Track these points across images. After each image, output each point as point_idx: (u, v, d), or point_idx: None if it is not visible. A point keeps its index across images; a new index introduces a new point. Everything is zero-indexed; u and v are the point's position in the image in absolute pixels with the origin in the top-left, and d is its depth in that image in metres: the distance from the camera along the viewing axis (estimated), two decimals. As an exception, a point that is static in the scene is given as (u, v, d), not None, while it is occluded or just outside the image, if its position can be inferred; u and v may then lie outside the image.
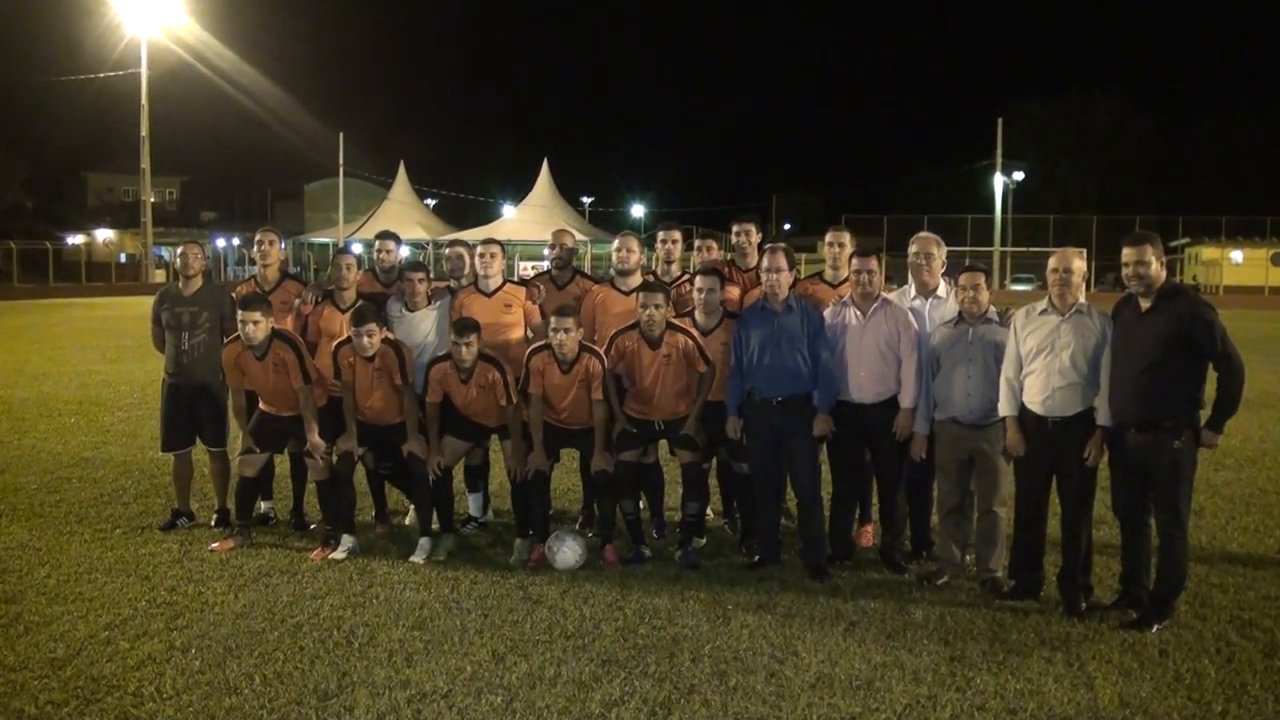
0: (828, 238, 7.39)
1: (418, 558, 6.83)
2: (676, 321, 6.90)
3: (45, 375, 16.32)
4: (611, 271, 7.65)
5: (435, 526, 7.14)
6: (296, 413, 7.07)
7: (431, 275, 7.79)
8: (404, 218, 55.04)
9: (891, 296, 6.87)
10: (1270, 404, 13.87)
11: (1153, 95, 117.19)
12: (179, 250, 7.95)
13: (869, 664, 5.22)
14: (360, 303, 7.23)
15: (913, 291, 6.94)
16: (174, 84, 57.90)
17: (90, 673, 5.05)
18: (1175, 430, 5.61)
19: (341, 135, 62.11)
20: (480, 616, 5.83)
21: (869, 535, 7.36)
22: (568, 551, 6.70)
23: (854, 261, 6.80)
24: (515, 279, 7.92)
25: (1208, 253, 56.64)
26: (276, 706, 4.71)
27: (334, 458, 7.07)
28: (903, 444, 6.64)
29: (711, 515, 7.76)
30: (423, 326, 7.41)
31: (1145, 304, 5.72)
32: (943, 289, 6.89)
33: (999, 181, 58.52)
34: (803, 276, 7.57)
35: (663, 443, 7.25)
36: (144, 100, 49.99)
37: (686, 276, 7.51)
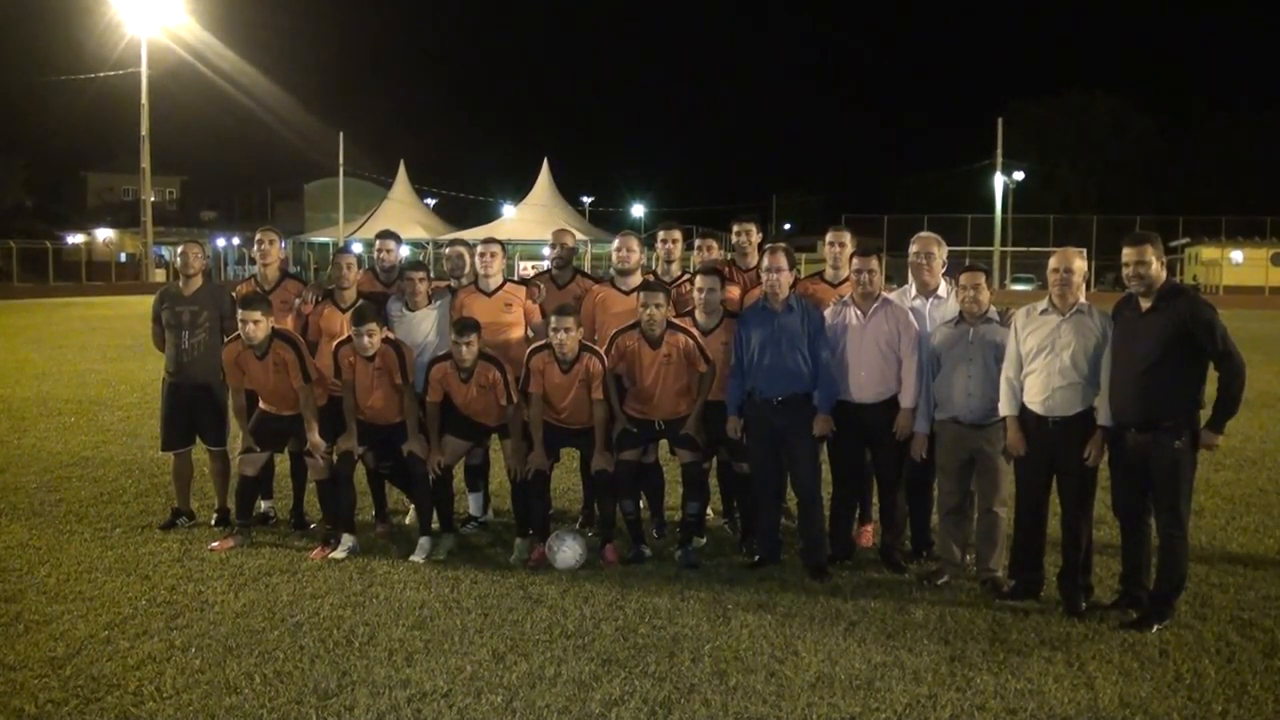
0: (828, 237, 7.39)
1: (418, 557, 6.83)
2: (677, 321, 6.90)
3: (45, 374, 16.32)
4: (612, 271, 7.65)
5: (435, 526, 7.14)
6: (297, 412, 7.07)
7: (431, 275, 7.79)
8: (404, 217, 55.05)
9: (892, 296, 6.87)
10: (1270, 404, 13.87)
11: (1153, 95, 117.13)
12: (179, 250, 7.95)
13: (869, 664, 5.22)
14: (360, 302, 7.23)
15: (913, 291, 6.94)
16: (174, 83, 58.00)
17: (90, 672, 5.05)
18: (1175, 430, 5.61)
19: (341, 135, 62.21)
20: (480, 616, 5.83)
21: (869, 535, 7.36)
22: (568, 551, 6.69)
23: (854, 261, 6.80)
24: (515, 278, 7.92)
25: (1208, 253, 56.62)
26: (276, 706, 4.71)
27: (334, 457, 7.07)
28: (903, 444, 6.64)
29: (712, 515, 7.76)
30: (423, 326, 7.41)
31: (1145, 304, 5.72)
32: (943, 289, 6.89)
33: (999, 181, 58.51)
34: (803, 276, 7.58)
35: (663, 442, 7.25)
36: (144, 100, 50.01)
37: (687, 276, 7.51)
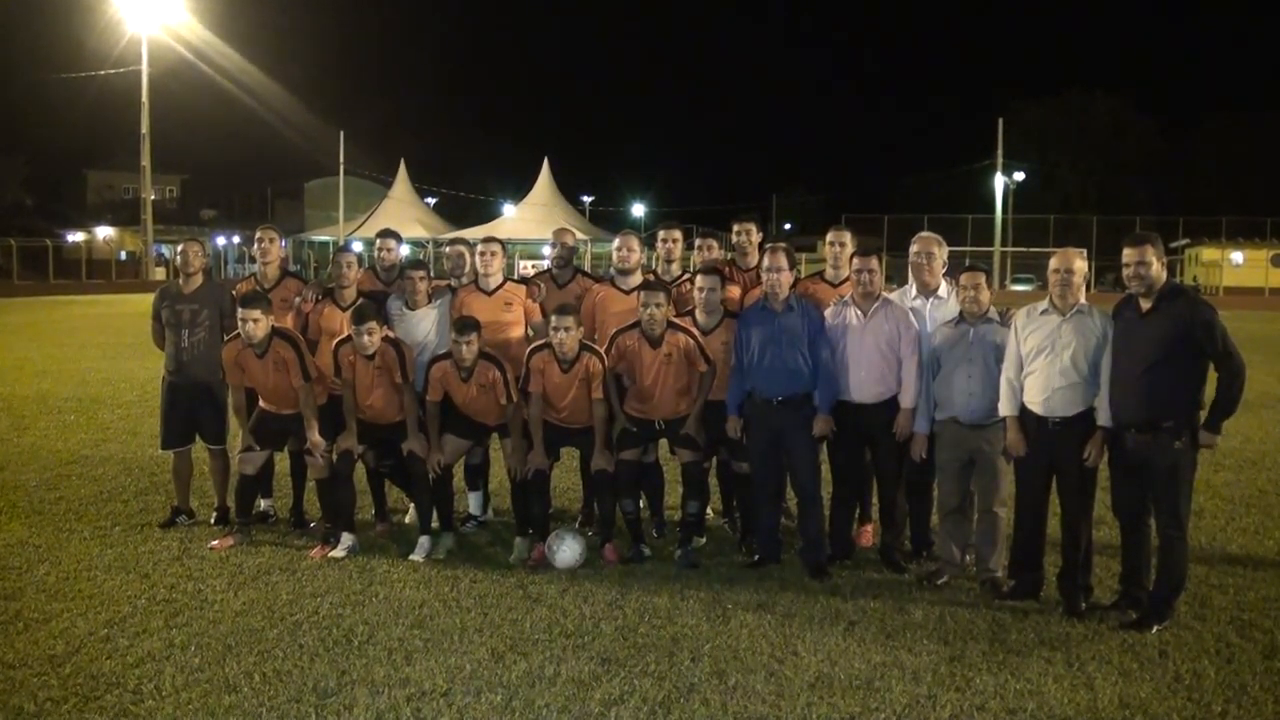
0: (828, 237, 7.39)
1: (417, 556, 6.83)
2: (677, 321, 6.89)
3: (45, 372, 16.32)
4: (612, 270, 7.64)
5: (435, 525, 7.14)
6: (296, 411, 7.07)
7: (432, 274, 7.79)
8: (404, 216, 55.03)
9: (892, 296, 6.87)
10: (1270, 405, 13.86)
11: (1153, 95, 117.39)
12: (179, 248, 7.95)
13: (869, 664, 5.22)
14: (360, 301, 7.23)
15: (913, 291, 6.94)
16: (174, 82, 57.95)
17: (89, 670, 5.05)
18: (1175, 431, 5.61)
19: (342, 133, 62.21)
20: (480, 615, 5.83)
21: (869, 535, 7.36)
22: (567, 550, 6.69)
23: (854, 261, 6.80)
24: (515, 277, 7.92)
25: (1208, 253, 56.64)
26: (276, 704, 4.71)
27: (334, 456, 7.07)
28: (903, 444, 6.64)
29: (711, 514, 7.76)
30: (423, 325, 7.41)
31: (1146, 304, 5.72)
32: (943, 289, 6.89)
33: (999, 181, 58.52)
34: (803, 276, 7.58)
35: (663, 442, 7.25)
36: (145, 98, 50.01)
37: (687, 276, 7.51)
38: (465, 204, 72.78)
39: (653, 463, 7.37)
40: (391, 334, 7.08)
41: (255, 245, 7.84)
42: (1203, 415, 5.68)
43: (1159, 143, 77.39)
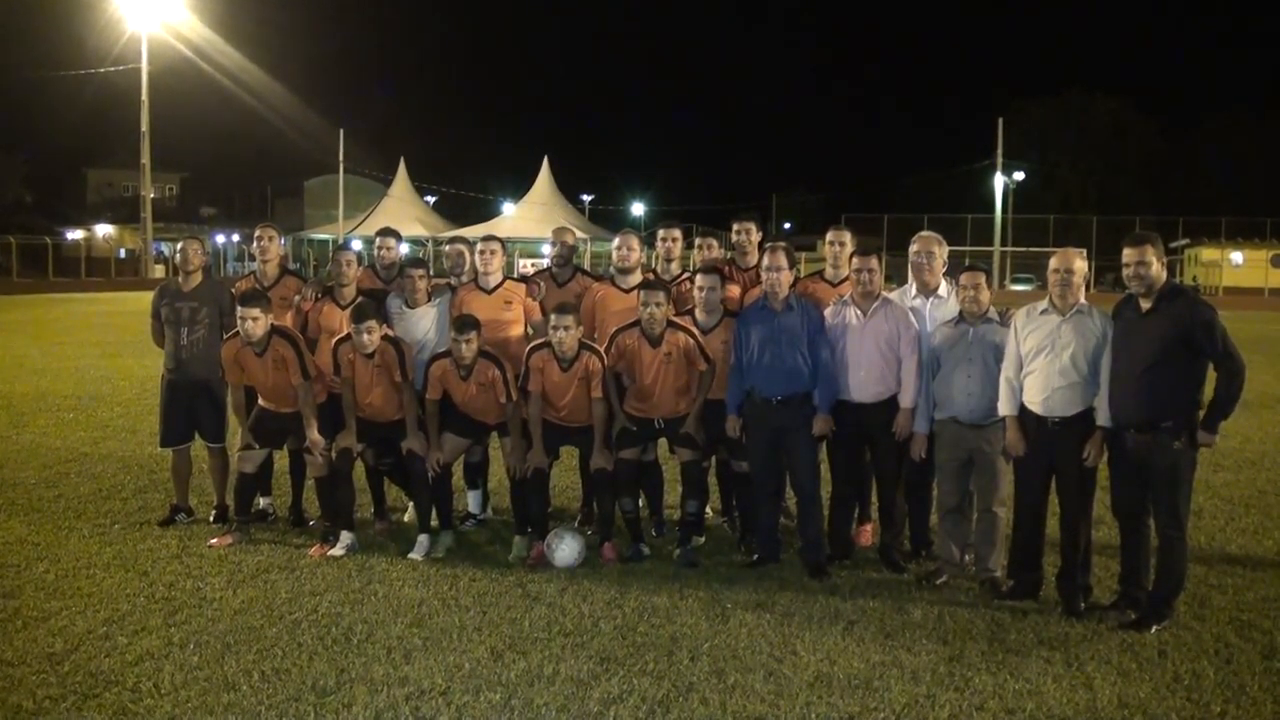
0: (828, 237, 7.39)
1: (416, 554, 6.82)
2: (677, 320, 6.89)
3: (44, 370, 16.31)
4: (612, 269, 7.64)
5: (434, 523, 7.13)
6: (296, 409, 7.06)
7: (431, 272, 7.79)
8: (404, 214, 55.09)
9: (892, 296, 6.87)
10: (1270, 405, 13.86)
11: (1153, 96, 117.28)
12: (179, 246, 7.95)
13: (867, 663, 5.22)
14: (360, 299, 7.23)
15: (913, 291, 6.94)
16: (174, 80, 57.89)
17: (88, 668, 5.05)
18: (1175, 431, 5.61)
19: (342, 131, 62.25)
20: (479, 614, 5.83)
21: (868, 534, 7.36)
22: (566, 549, 6.69)
23: (854, 261, 6.80)
24: (515, 276, 7.91)
25: (1208, 254, 56.65)
26: (275, 703, 4.71)
27: (333, 454, 7.06)
28: (902, 443, 6.64)
29: (711, 514, 7.76)
30: (423, 323, 7.41)
31: (1146, 304, 5.72)
32: (943, 288, 6.89)
33: (999, 181, 58.53)
34: (803, 275, 7.58)
35: (662, 441, 7.25)
36: (144, 96, 50.00)
37: (686, 275, 7.51)
38: (465, 202, 72.90)
39: (652, 462, 7.37)
40: (391, 332, 7.07)
41: (255, 243, 7.84)
42: (1202, 415, 5.68)
43: (1159, 143, 77.43)
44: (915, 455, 6.64)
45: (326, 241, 60.45)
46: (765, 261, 6.72)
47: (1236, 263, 54.87)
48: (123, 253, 63.43)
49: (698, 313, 7.00)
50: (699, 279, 6.98)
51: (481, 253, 7.47)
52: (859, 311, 6.68)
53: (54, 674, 4.98)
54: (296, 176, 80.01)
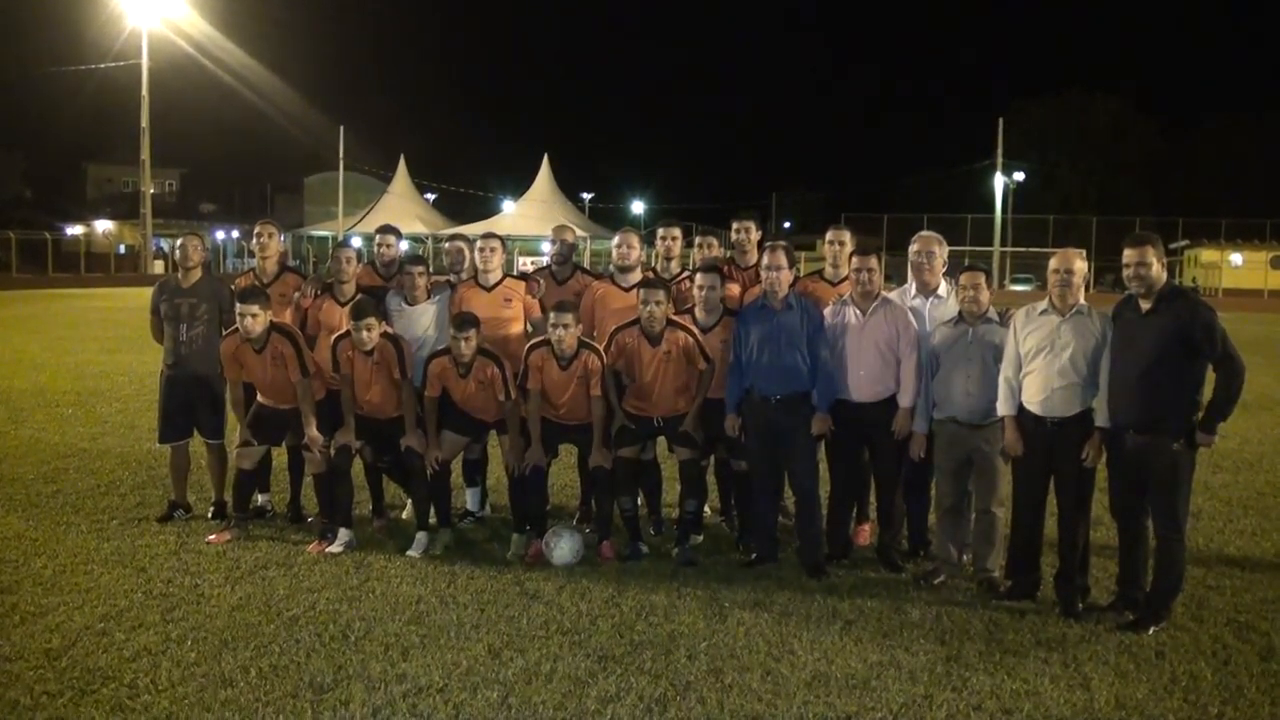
0: (828, 236, 7.39)
1: (414, 552, 6.82)
2: (676, 319, 6.89)
3: (43, 366, 16.30)
4: (612, 268, 7.64)
5: (432, 521, 7.13)
6: (295, 406, 7.06)
7: (431, 269, 7.78)
8: (404, 212, 55.07)
9: (892, 296, 6.87)
10: (1269, 407, 13.87)
11: (1154, 96, 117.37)
12: (178, 242, 7.94)
13: (865, 663, 5.22)
14: (359, 297, 7.22)
15: (913, 290, 6.93)
16: (174, 76, 57.83)
17: (86, 664, 5.05)
18: (1174, 432, 5.61)
19: (342, 129, 62.26)
20: (477, 611, 5.83)
21: (866, 534, 7.35)
22: (565, 547, 6.69)
23: (854, 260, 6.79)
24: (515, 273, 7.91)
25: (1207, 255, 56.64)
26: (272, 699, 4.70)
27: (332, 451, 7.06)
28: (901, 443, 6.64)
29: (709, 513, 7.75)
30: (422, 321, 7.40)
31: (1146, 305, 5.72)
32: (943, 288, 6.89)
33: (999, 181, 58.54)
34: (802, 275, 7.57)
35: (661, 439, 7.24)
36: (144, 92, 49.93)
37: (686, 274, 7.51)
38: (465, 200, 72.90)
39: (651, 460, 7.37)
40: (390, 330, 7.07)
41: (254, 240, 7.82)
42: (1201, 416, 5.67)
43: (1159, 143, 77.44)
44: (914, 455, 6.64)
45: (326, 238, 60.48)
46: (765, 260, 6.72)
47: (1236, 264, 54.86)
48: (122, 248, 63.36)
49: (697, 311, 6.99)
50: (699, 278, 6.97)
51: (481, 250, 7.47)
52: (858, 311, 6.68)
53: (51, 669, 4.98)
54: (296, 173, 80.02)
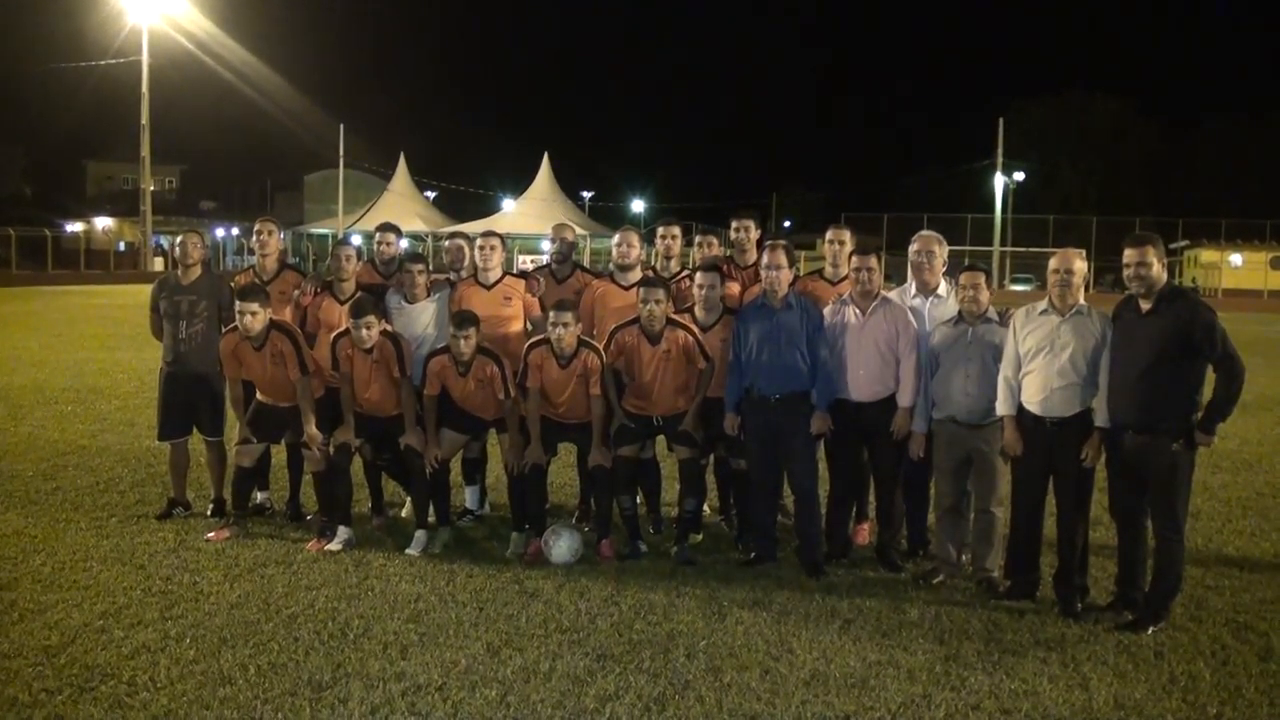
0: (828, 235, 7.39)
1: (414, 550, 6.82)
2: (676, 317, 6.89)
3: (42, 363, 16.30)
4: (612, 266, 7.63)
5: (431, 519, 7.13)
6: (294, 404, 7.06)
7: (431, 267, 7.78)
8: (403, 210, 54.99)
9: (891, 295, 6.87)
10: (1268, 407, 13.87)
11: (1154, 97, 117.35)
12: (178, 239, 7.93)
13: (864, 662, 5.22)
14: (359, 295, 7.22)
15: (912, 290, 6.94)
16: (175, 73, 57.79)
17: (84, 661, 5.05)
18: (1173, 433, 5.61)
19: (342, 126, 62.22)
20: (476, 610, 5.83)
21: (865, 533, 7.35)
22: (564, 546, 6.69)
23: (853, 259, 6.79)
24: (515, 272, 7.91)
25: (1207, 255, 56.65)
26: (271, 697, 4.70)
27: (331, 449, 7.06)
28: (900, 443, 6.64)
29: (709, 511, 7.75)
30: (422, 319, 7.40)
31: (1146, 305, 5.71)
32: (943, 288, 6.89)
33: (999, 181, 58.53)
34: (802, 274, 7.57)
35: (660, 438, 7.24)
36: (144, 89, 49.89)
37: (686, 273, 7.51)
38: (465, 198, 72.87)
39: (650, 459, 7.36)
40: (389, 328, 7.07)
41: (254, 237, 7.82)
42: (1200, 416, 5.67)
43: (1159, 144, 77.49)
44: (913, 454, 6.64)
45: (326, 236, 60.42)
46: (765, 259, 6.71)
47: (1236, 264, 54.88)
48: (122, 246, 63.35)
49: (697, 310, 6.99)
50: (699, 276, 6.97)
51: (481, 248, 7.47)
52: (858, 310, 6.68)
53: (50, 667, 4.98)
54: (296, 171, 79.96)
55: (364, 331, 6.78)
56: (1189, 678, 5.12)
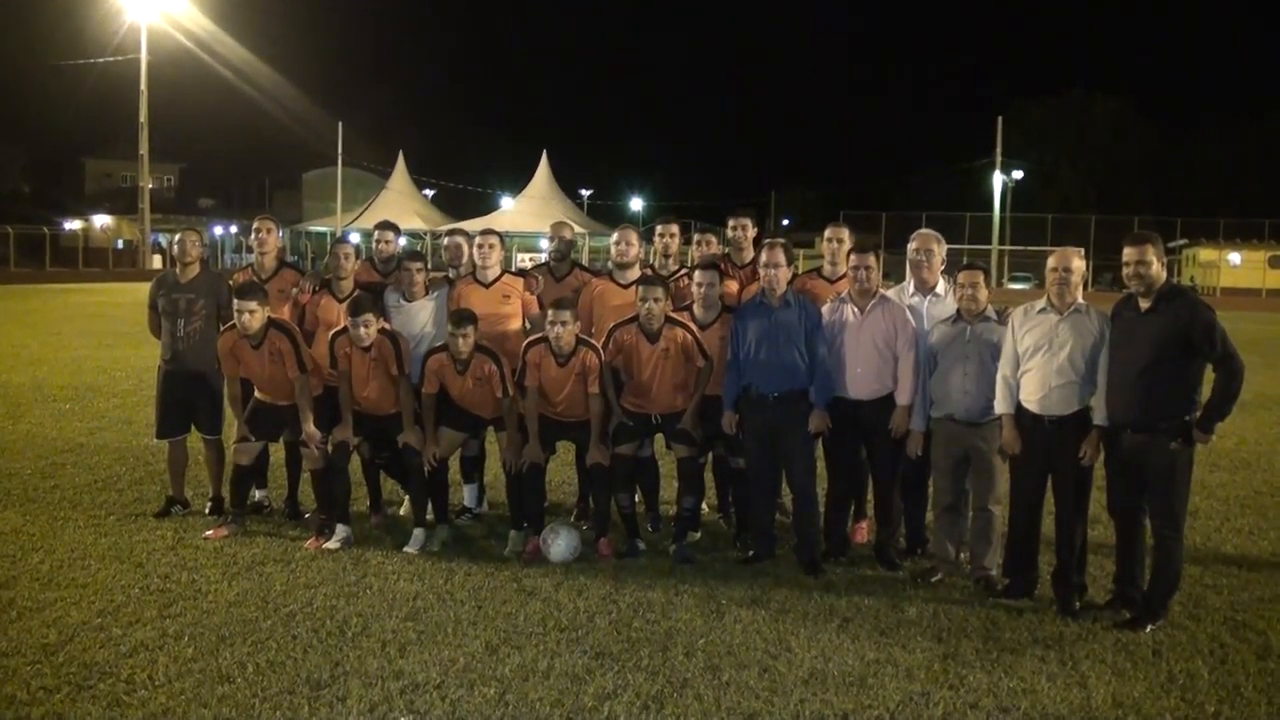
0: (826, 234, 7.40)
1: (412, 548, 6.82)
2: (675, 316, 6.88)
3: (41, 360, 16.29)
4: (610, 265, 7.63)
5: (430, 517, 7.13)
6: (292, 402, 7.06)
7: (429, 266, 7.78)
8: (402, 208, 55.00)
9: (890, 293, 6.87)
10: (1267, 406, 13.88)
11: (1153, 97, 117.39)
12: (177, 237, 7.93)
13: (862, 660, 5.22)
14: (357, 293, 7.21)
15: (911, 288, 6.94)
16: (174, 70, 57.82)
17: (83, 659, 5.04)
18: (1172, 431, 5.61)
19: (340, 124, 62.20)
20: (474, 608, 5.83)
21: (864, 532, 7.35)
22: (562, 544, 6.69)
23: (852, 258, 6.78)
24: (514, 269, 7.90)
25: (1205, 254, 56.67)
26: (269, 695, 4.70)
27: (329, 447, 7.05)
28: (899, 441, 6.64)
29: (707, 510, 7.75)
30: (420, 317, 7.39)
31: (1145, 304, 5.71)
32: (941, 286, 6.89)
33: (998, 180, 58.54)
34: (801, 272, 7.58)
35: (659, 436, 7.24)
36: (143, 86, 49.89)
37: (684, 271, 7.51)
38: (463, 196, 72.89)
39: (649, 457, 7.36)
40: (388, 326, 7.06)
41: (253, 235, 7.81)
42: (1199, 415, 5.67)
43: (1158, 143, 77.55)
44: (911, 453, 6.64)
45: (324, 234, 60.40)
46: (763, 258, 6.71)
47: (1234, 263, 54.91)
48: (120, 243, 63.34)
49: (696, 308, 6.99)
50: (697, 275, 6.97)
51: (480, 246, 7.46)
52: (856, 309, 6.67)
53: (48, 665, 4.98)
54: (295, 169, 79.99)
55: (362, 330, 6.78)
56: (1187, 676, 5.12)
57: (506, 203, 64.14)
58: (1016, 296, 27.30)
